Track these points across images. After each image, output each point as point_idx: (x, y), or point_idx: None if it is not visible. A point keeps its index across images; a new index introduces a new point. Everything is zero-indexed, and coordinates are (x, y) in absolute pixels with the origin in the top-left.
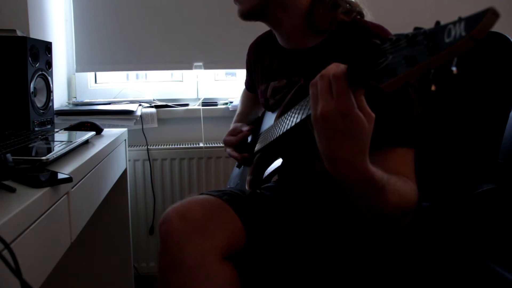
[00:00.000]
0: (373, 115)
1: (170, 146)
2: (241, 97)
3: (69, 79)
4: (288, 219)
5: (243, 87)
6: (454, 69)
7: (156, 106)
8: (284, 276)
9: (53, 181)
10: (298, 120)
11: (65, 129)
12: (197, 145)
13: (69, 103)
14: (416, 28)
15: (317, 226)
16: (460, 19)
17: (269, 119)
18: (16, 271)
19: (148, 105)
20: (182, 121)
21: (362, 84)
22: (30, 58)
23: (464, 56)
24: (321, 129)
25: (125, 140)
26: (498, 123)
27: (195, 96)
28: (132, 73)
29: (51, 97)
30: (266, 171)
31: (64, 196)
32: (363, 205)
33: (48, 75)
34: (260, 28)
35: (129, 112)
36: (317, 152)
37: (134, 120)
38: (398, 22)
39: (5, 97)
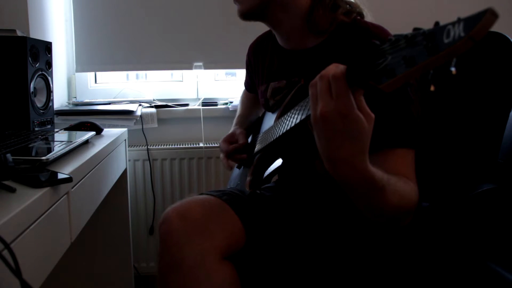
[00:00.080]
0: (373, 115)
1: (170, 146)
2: (241, 98)
3: (69, 79)
4: (288, 219)
5: (243, 87)
6: (453, 69)
7: (156, 106)
8: (284, 276)
9: (53, 181)
10: (298, 121)
11: (65, 129)
12: (197, 145)
13: (69, 103)
14: (415, 29)
15: (317, 227)
16: (459, 20)
17: (269, 119)
18: (16, 271)
19: (148, 105)
20: (182, 121)
21: (361, 85)
22: (30, 58)
23: (463, 56)
24: (320, 129)
25: (125, 140)
26: (498, 123)
27: (195, 96)
28: (132, 73)
29: (51, 97)
30: (266, 171)
31: (64, 196)
32: (363, 205)
33: (48, 75)
34: (260, 28)
35: (129, 112)
36: (317, 153)
37: (134, 120)
38: (398, 22)
39: (5, 97)
